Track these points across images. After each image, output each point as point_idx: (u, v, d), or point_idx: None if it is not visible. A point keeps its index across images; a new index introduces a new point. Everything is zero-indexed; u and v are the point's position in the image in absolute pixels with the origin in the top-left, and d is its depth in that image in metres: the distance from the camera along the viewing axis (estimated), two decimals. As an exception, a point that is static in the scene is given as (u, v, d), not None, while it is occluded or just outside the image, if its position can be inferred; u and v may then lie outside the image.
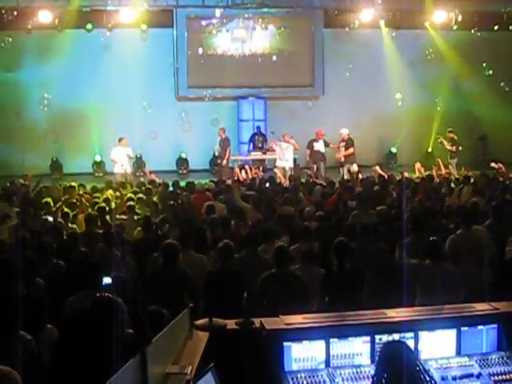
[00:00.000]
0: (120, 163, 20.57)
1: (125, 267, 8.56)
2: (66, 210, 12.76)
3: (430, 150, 25.48)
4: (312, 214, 11.66)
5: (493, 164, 18.89)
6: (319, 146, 21.70)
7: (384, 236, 9.59)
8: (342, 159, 21.24)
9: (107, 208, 13.01)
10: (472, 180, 15.94)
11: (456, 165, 21.39)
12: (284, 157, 21.02)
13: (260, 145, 23.50)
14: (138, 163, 24.05)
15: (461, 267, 8.23)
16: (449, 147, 21.95)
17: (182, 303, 7.20)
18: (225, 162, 22.36)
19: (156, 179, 17.78)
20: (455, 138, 22.08)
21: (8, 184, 17.11)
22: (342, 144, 21.38)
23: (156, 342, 4.47)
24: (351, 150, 21.19)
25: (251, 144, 23.67)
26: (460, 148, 21.99)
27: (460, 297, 7.48)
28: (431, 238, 8.09)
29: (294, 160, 22.26)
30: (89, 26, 23.26)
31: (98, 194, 15.46)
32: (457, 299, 7.13)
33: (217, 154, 23.14)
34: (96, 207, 12.79)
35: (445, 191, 14.89)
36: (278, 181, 18.44)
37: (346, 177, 20.03)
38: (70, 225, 11.74)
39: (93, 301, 5.48)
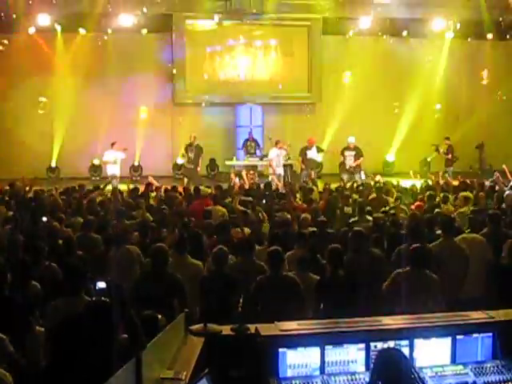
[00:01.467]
0: (111, 166, 20.73)
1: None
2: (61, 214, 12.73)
3: (428, 158, 25.50)
4: (308, 220, 11.65)
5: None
6: (312, 154, 21.62)
7: (379, 243, 9.62)
8: (354, 165, 21.13)
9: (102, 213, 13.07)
10: (467, 188, 15.94)
11: (452, 173, 21.41)
12: (280, 163, 21.04)
13: (252, 150, 23.48)
14: (135, 167, 24.08)
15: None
16: (445, 155, 21.98)
17: (172, 307, 7.21)
18: (199, 168, 22.31)
19: (155, 182, 17.78)
20: (452, 145, 22.12)
21: (7, 187, 17.09)
22: (350, 153, 21.25)
23: (150, 347, 4.45)
24: (362, 159, 21.19)
25: (244, 150, 23.68)
26: (456, 156, 22.03)
27: (442, 305, 7.48)
28: (413, 246, 8.08)
29: (291, 166, 22.31)
30: (87, 29, 23.28)
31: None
32: (435, 306, 7.12)
33: (183, 160, 22.73)
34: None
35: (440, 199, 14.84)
36: (275, 187, 18.42)
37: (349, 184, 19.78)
38: (64, 228, 11.69)
39: (86, 305, 5.47)
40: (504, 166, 18.73)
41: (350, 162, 21.27)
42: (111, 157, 20.80)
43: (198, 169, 22.23)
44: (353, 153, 21.29)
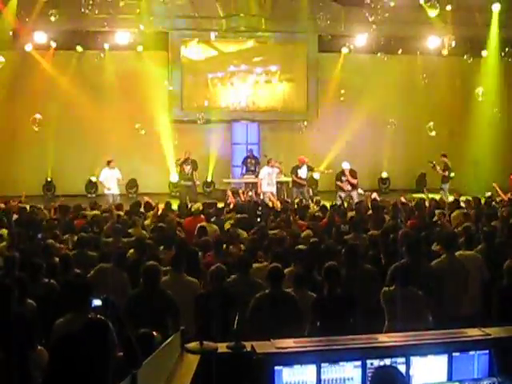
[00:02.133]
0: (107, 186, 20.64)
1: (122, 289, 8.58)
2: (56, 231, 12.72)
3: (421, 173, 25.60)
4: (306, 237, 11.67)
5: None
6: (302, 173, 21.49)
7: (375, 261, 9.62)
8: (349, 188, 20.90)
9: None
10: (463, 205, 15.99)
11: (449, 190, 21.46)
12: (272, 182, 21.02)
13: (252, 168, 23.51)
14: (131, 184, 24.09)
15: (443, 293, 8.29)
16: (441, 172, 22.03)
17: (165, 326, 7.20)
18: (198, 182, 22.42)
19: (150, 201, 17.76)
20: (448, 162, 22.17)
21: (3, 204, 17.08)
22: (346, 178, 20.85)
23: (146, 364, 4.44)
24: (357, 181, 21.03)
25: (244, 167, 23.68)
26: (452, 174, 22.09)
27: (428, 323, 7.49)
28: (399, 263, 8.09)
29: (287, 183, 22.34)
30: (83, 47, 23.38)
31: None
32: (424, 325, 7.12)
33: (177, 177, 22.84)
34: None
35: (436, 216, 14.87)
36: (271, 204, 18.40)
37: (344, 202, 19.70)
38: (58, 245, 11.67)
39: (85, 323, 5.45)
40: (494, 185, 18.82)
41: (347, 187, 20.88)
42: (107, 176, 20.74)
43: (198, 182, 22.32)
44: (348, 177, 20.95)
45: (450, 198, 19.71)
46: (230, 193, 20.68)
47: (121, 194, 21.30)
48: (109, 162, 20.84)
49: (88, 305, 6.65)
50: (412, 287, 7.76)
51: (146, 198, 18.27)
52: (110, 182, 20.75)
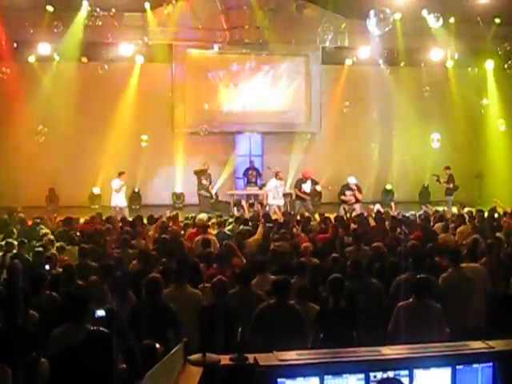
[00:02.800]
0: (115, 196, 20.66)
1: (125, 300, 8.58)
2: (60, 243, 12.74)
3: (425, 186, 25.59)
4: (308, 250, 11.65)
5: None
6: (306, 187, 21.38)
7: (379, 273, 9.61)
8: (353, 201, 20.68)
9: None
10: (467, 217, 15.97)
11: (453, 202, 21.44)
12: (278, 195, 20.92)
13: (254, 179, 23.52)
14: (135, 196, 24.11)
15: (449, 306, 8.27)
16: (445, 184, 22.02)
17: (166, 338, 7.19)
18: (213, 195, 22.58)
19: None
20: (452, 174, 22.16)
21: (6, 216, 17.09)
22: (351, 192, 20.58)
23: (149, 376, 4.43)
24: (362, 196, 20.87)
25: (245, 179, 23.70)
26: (457, 185, 22.08)
27: (444, 336, 7.47)
28: (418, 276, 8.08)
29: (290, 195, 22.32)
30: (86, 58, 23.44)
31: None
32: (440, 338, 7.11)
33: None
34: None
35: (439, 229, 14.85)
36: (274, 217, 18.33)
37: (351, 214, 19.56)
38: (61, 256, 11.69)
39: (87, 335, 5.45)
40: (495, 199, 18.76)
41: (351, 201, 20.55)
42: (117, 185, 20.76)
43: (212, 194, 22.51)
44: (354, 192, 20.71)
45: (454, 210, 19.71)
46: (244, 202, 20.73)
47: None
48: (120, 174, 20.81)
49: (85, 316, 6.68)
50: (428, 300, 7.76)
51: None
52: (120, 193, 20.78)
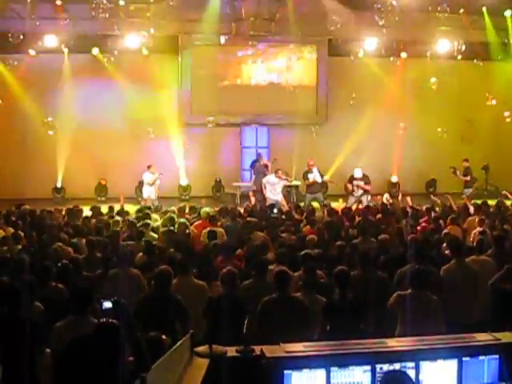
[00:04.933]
0: (147, 188, 21.35)
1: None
2: (64, 235, 12.80)
3: (432, 178, 25.55)
4: (314, 241, 11.66)
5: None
6: (315, 177, 21.22)
7: (385, 265, 9.61)
8: (360, 193, 20.51)
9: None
10: (472, 209, 15.93)
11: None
12: (275, 191, 20.72)
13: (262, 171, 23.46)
14: (140, 188, 24.14)
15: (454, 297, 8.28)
16: (462, 177, 21.89)
17: (174, 329, 7.20)
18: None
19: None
20: (470, 167, 22.05)
21: (14, 208, 17.12)
22: (359, 182, 20.52)
23: (156, 368, 4.44)
24: (369, 187, 20.69)
25: (252, 171, 23.66)
26: (476, 178, 22.00)
27: (441, 327, 7.46)
28: (415, 268, 8.10)
29: (296, 187, 22.30)
30: (94, 50, 23.43)
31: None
32: (437, 329, 7.11)
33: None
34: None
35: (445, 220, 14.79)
36: (283, 209, 18.26)
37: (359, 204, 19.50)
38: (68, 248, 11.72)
39: (97, 326, 5.45)
40: (504, 192, 18.70)
41: (358, 192, 20.49)
42: (150, 179, 21.22)
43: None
44: (361, 182, 20.61)
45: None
46: (251, 194, 20.77)
47: (128, 197, 21.27)
48: (149, 167, 21.38)
49: (89, 309, 6.70)
50: (426, 291, 7.75)
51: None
52: (150, 184, 21.35)
